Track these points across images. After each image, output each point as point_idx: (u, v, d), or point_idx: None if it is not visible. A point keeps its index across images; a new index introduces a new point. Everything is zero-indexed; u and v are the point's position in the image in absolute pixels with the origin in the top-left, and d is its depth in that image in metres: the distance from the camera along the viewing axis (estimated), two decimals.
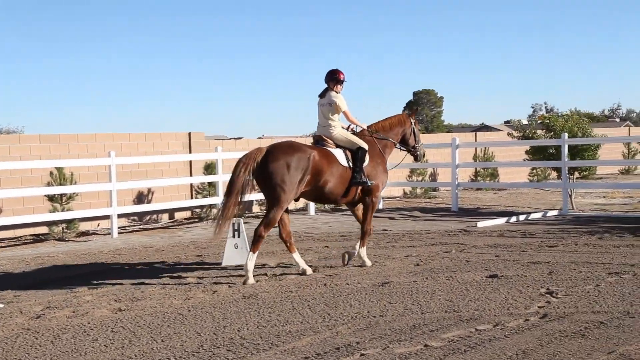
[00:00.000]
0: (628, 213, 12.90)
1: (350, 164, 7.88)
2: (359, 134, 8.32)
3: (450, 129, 56.31)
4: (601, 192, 17.39)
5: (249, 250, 7.53)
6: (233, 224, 8.42)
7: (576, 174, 15.00)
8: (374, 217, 13.50)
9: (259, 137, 36.11)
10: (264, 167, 7.39)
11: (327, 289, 6.79)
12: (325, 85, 8.25)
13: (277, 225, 7.65)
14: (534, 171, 19.52)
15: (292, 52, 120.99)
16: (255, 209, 15.70)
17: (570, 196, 14.28)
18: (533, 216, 12.55)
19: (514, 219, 12.15)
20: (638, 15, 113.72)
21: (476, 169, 19.50)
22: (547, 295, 6.18)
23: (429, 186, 17.64)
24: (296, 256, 7.71)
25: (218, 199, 13.14)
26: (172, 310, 6.08)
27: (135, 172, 13.72)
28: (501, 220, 11.96)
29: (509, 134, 17.57)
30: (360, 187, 7.98)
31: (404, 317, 5.61)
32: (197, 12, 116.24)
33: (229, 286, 7.10)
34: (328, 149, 7.91)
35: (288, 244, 7.74)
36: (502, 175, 21.55)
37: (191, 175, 14.57)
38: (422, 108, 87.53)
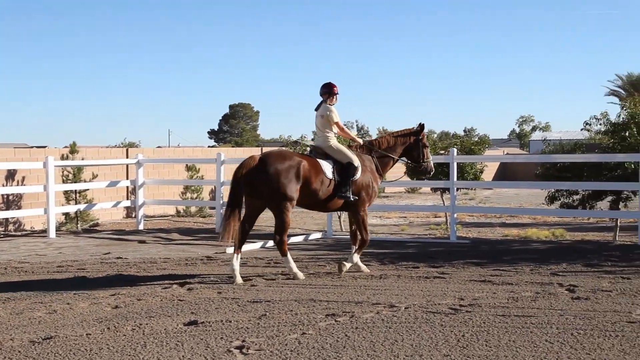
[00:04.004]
0: (391, 236, 12.55)
1: (336, 177, 8.05)
2: (357, 149, 8.49)
3: (259, 143, 55.83)
4: (378, 212, 17.23)
5: (283, 255, 7.95)
6: None
7: None
8: (125, 240, 12.08)
9: (65, 147, 32.71)
10: (259, 175, 7.68)
11: None
12: (321, 99, 8.43)
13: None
14: None
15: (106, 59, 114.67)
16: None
17: (340, 217, 13.76)
18: (294, 240, 11.69)
19: (270, 243, 11.19)
20: (439, 37, 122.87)
21: None
22: (235, 350, 5.06)
23: (188, 205, 16.34)
24: (237, 258, 7.87)
25: None
26: None
27: None
28: (257, 245, 10.95)
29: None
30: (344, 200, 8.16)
31: None
32: None
33: None
34: (317, 159, 8.13)
35: (239, 244, 7.96)
36: None
37: None
38: (238, 121, 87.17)
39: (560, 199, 11.77)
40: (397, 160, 8.84)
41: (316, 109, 8.50)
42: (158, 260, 9.53)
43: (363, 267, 8.38)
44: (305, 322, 5.87)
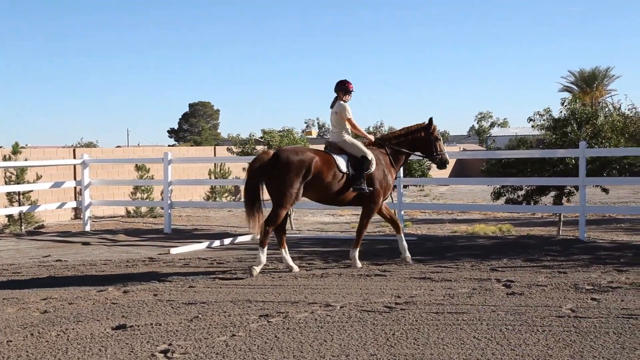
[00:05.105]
0: (341, 234, 12.52)
1: (351, 170, 8.33)
2: (370, 144, 8.76)
3: (218, 142, 55.25)
4: (332, 210, 17.18)
5: (261, 246, 8.09)
6: None
7: None
8: (68, 242, 11.80)
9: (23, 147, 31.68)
10: (270, 169, 8.01)
11: None
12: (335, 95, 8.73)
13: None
14: None
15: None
16: None
17: (290, 215, 13.68)
18: (241, 239, 11.59)
19: (217, 242, 11.07)
20: (398, 33, 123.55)
21: (212, 185, 18.41)
22: (159, 355, 4.95)
23: (136, 205, 16.07)
24: (284, 253, 8.35)
25: None
26: None
27: None
28: (202, 245, 10.80)
29: (228, 149, 16.77)
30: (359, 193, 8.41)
31: None
32: None
33: None
34: (332, 154, 8.41)
35: (278, 238, 8.42)
36: None
37: None
38: (198, 120, 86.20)
39: (505, 195, 11.89)
40: (410, 155, 9.08)
41: (331, 106, 8.74)
42: (98, 262, 9.32)
43: (358, 263, 8.52)
44: (237, 323, 5.78)
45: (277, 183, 7.98)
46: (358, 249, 8.64)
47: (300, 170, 7.96)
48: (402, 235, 8.90)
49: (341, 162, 8.35)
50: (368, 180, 8.43)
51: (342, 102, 8.64)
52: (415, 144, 8.99)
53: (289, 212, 13.73)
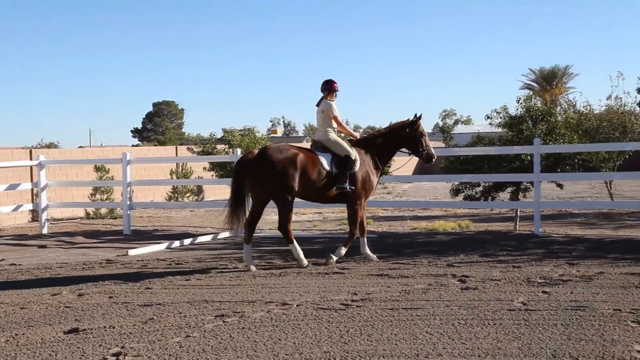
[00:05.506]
0: (301, 232, 12.53)
1: (334, 169, 8.41)
2: (356, 143, 8.85)
3: (183, 141, 54.71)
4: (294, 208, 17.15)
5: (289, 242, 8.42)
6: None
7: None
8: (24, 245, 11.57)
9: None
10: (255, 167, 8.17)
11: None
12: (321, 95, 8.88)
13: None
14: None
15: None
16: None
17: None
18: (201, 239, 11.52)
19: (177, 243, 10.98)
20: (362, 32, 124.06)
21: (174, 185, 18.26)
22: (111, 358, 4.89)
23: (96, 207, 15.86)
24: (247, 248, 8.37)
25: None
26: None
27: None
28: (161, 246, 10.70)
29: (188, 148, 16.67)
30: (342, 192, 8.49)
31: None
32: None
33: None
34: (316, 152, 8.54)
35: (248, 234, 8.40)
36: (208, 191, 20.69)
37: None
38: (162, 120, 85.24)
39: (464, 191, 12.05)
40: (395, 152, 9.18)
41: (317, 105, 8.88)
42: (54, 265, 9.17)
43: (333, 260, 8.57)
44: (192, 324, 5.75)
45: (270, 181, 8.11)
46: (345, 249, 8.74)
47: (286, 167, 8.10)
48: (365, 239, 8.92)
49: (324, 160, 8.47)
50: (351, 179, 8.52)
51: (328, 100, 8.77)
52: (401, 141, 9.04)
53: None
